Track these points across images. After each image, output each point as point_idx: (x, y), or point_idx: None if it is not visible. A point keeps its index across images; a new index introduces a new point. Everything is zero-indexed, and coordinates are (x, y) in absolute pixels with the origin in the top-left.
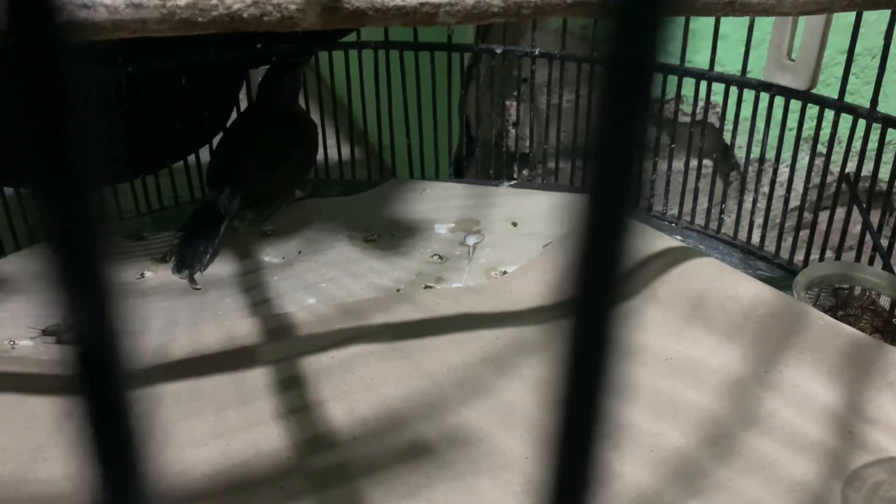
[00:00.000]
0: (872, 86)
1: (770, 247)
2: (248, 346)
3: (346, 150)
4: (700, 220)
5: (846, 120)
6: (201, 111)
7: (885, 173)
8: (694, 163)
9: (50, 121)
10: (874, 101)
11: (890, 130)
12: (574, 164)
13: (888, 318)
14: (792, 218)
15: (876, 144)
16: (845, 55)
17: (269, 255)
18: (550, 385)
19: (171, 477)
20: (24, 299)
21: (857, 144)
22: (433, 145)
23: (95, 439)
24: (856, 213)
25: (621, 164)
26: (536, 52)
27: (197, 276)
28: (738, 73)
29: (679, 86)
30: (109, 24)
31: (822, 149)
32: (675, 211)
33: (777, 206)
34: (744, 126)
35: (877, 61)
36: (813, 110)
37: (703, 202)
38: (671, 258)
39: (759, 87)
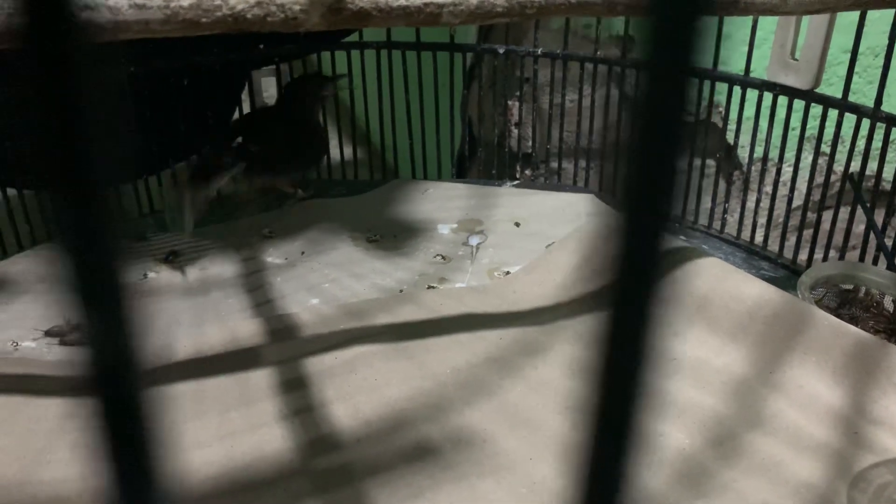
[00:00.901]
0: (875, 85)
1: (773, 247)
2: (251, 347)
3: (348, 151)
4: (703, 219)
5: (849, 119)
6: (204, 111)
7: (889, 172)
8: (697, 162)
9: (66, 122)
10: (878, 100)
11: (894, 130)
12: (577, 164)
13: (893, 318)
14: (795, 217)
15: (880, 143)
16: (848, 54)
17: (272, 256)
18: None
19: (179, 478)
20: (27, 300)
21: (860, 143)
22: (436, 145)
23: (111, 441)
24: (859, 212)
25: (662, 168)
26: (539, 52)
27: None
28: (742, 73)
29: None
30: (112, 26)
31: (825, 148)
32: (678, 211)
33: (780, 205)
34: (747, 125)
35: (880, 60)
36: (816, 109)
37: (706, 202)
38: (675, 258)
39: (763, 86)
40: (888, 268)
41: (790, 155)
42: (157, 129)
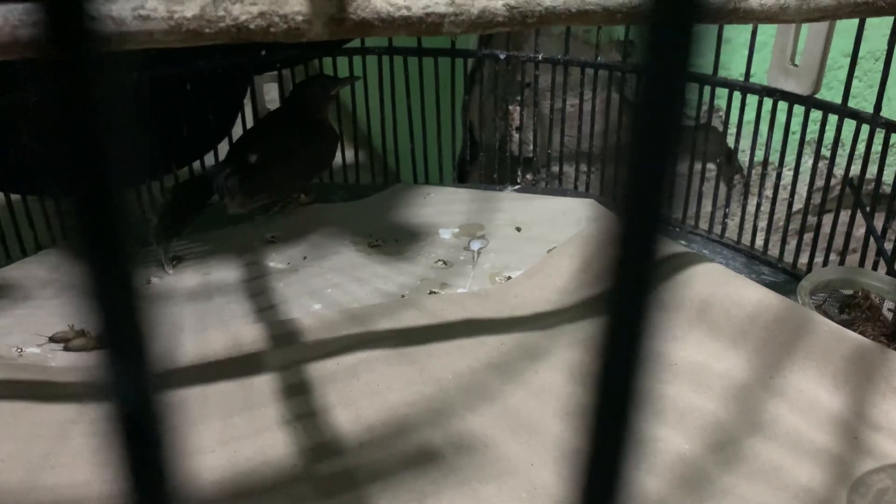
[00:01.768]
0: (875, 89)
1: (774, 251)
2: (254, 352)
3: (350, 155)
4: (703, 224)
5: (849, 124)
6: (206, 117)
7: (888, 177)
8: (698, 167)
9: (84, 128)
10: (878, 104)
11: (894, 135)
12: (577, 169)
13: (893, 324)
14: (795, 222)
15: (880, 148)
16: (848, 58)
17: (275, 261)
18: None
19: (191, 482)
20: (31, 306)
21: (860, 148)
22: (437, 150)
23: (127, 445)
24: (859, 217)
25: (657, 172)
26: (539, 57)
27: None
28: (742, 78)
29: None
30: (116, 36)
31: (825, 153)
32: (678, 215)
33: (781, 210)
34: (747, 130)
35: (879, 64)
36: (816, 114)
37: (706, 206)
38: (675, 263)
39: (763, 91)
40: (888, 273)
41: (790, 159)
42: (160, 134)
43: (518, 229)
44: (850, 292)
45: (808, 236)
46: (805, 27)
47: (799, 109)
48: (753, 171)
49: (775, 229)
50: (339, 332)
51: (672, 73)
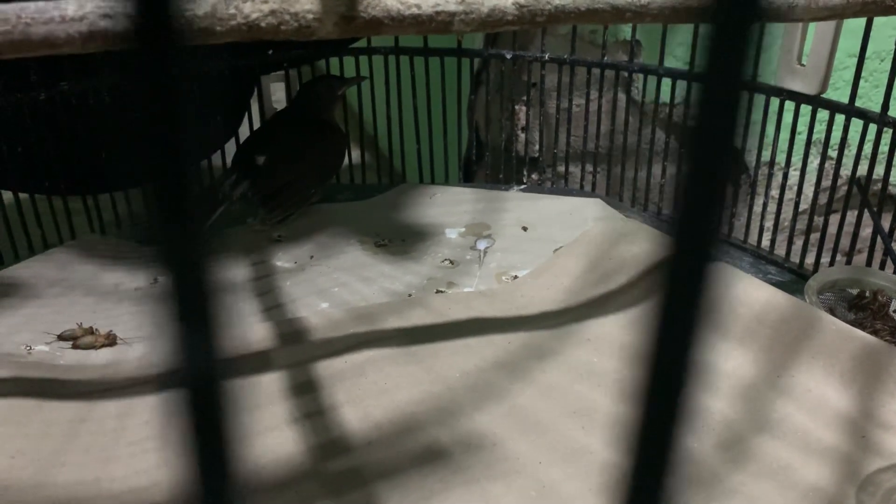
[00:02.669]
0: (881, 89)
1: (780, 251)
2: (261, 351)
3: (356, 155)
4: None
5: (856, 124)
6: (213, 117)
7: None
8: None
9: (166, 119)
10: (885, 104)
11: None
12: (584, 169)
13: None
14: (802, 222)
15: (887, 148)
16: (855, 59)
17: (282, 260)
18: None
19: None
20: (39, 304)
21: (867, 148)
22: (443, 150)
23: (194, 434)
24: (866, 216)
25: (712, 187)
26: (546, 57)
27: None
28: (748, 78)
29: (689, 90)
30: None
31: (832, 153)
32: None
33: (787, 210)
34: (754, 130)
35: (886, 64)
36: (823, 114)
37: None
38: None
39: (769, 91)
40: (895, 272)
41: (797, 159)
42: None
43: (524, 229)
44: (856, 292)
45: (814, 236)
46: (812, 27)
47: (806, 109)
48: (760, 172)
49: (782, 229)
50: (347, 331)
51: (728, 78)
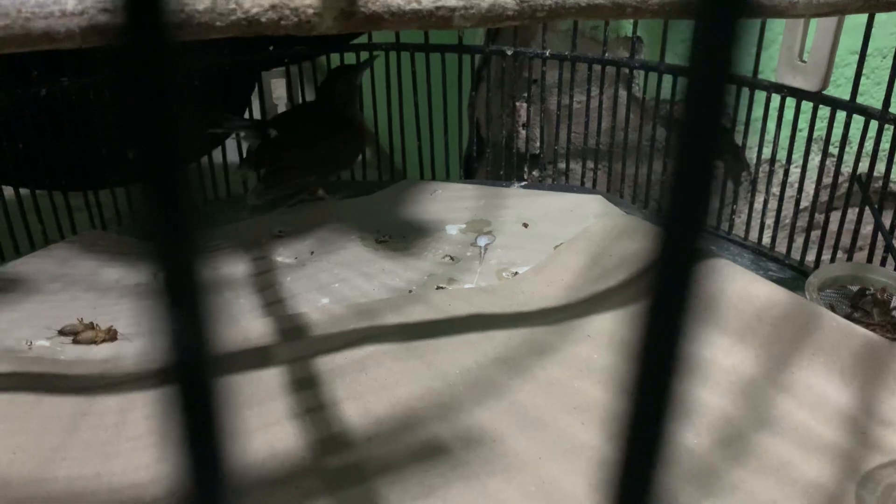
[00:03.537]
0: (882, 86)
1: (781, 248)
2: (262, 347)
3: None
4: (711, 220)
5: (857, 121)
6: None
7: None
8: None
9: (156, 112)
10: (886, 101)
11: None
12: (584, 165)
13: None
14: (803, 219)
15: (888, 145)
16: (856, 56)
17: (282, 256)
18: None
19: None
20: (40, 300)
21: (868, 145)
22: (444, 146)
23: (187, 428)
24: (867, 213)
25: (701, 178)
26: (547, 54)
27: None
28: (750, 75)
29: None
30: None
31: (833, 150)
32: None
33: (788, 206)
34: (755, 127)
35: (888, 61)
36: (824, 111)
37: (713, 203)
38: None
39: (771, 88)
40: None
41: (798, 156)
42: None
43: (525, 225)
44: (857, 288)
45: (815, 233)
46: (813, 24)
47: (807, 106)
48: (761, 168)
49: (783, 226)
50: (347, 327)
51: (716, 72)
